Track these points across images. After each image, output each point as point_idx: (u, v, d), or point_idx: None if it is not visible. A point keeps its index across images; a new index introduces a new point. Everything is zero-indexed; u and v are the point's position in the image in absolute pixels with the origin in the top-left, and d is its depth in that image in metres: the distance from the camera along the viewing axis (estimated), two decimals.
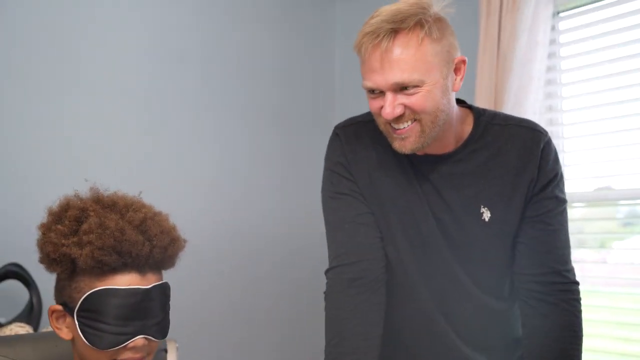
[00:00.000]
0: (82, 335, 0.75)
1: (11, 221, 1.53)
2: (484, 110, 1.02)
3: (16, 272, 1.44)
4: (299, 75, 2.19)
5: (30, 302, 1.44)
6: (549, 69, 1.70)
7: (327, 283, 1.01)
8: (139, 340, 0.76)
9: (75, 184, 0.85)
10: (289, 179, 2.11)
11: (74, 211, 0.78)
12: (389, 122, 0.90)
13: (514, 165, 0.96)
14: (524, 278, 0.98)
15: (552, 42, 1.70)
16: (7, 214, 1.55)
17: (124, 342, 0.75)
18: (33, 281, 1.44)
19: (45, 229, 0.78)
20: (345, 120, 1.08)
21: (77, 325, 0.75)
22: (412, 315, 1.03)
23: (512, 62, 1.60)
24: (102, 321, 0.74)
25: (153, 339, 0.78)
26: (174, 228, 0.84)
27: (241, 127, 2.02)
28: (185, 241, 0.86)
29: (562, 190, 0.99)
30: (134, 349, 0.76)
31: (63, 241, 0.75)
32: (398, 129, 0.91)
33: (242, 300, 1.96)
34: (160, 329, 0.79)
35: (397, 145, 0.93)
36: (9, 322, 1.37)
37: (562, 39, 1.74)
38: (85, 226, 0.75)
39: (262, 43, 2.10)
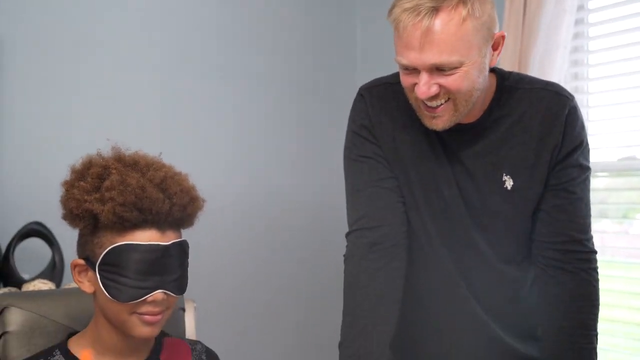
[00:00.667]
0: (103, 289, 0.77)
1: (33, 181, 1.57)
2: (509, 74, 0.98)
3: (39, 231, 1.48)
4: (319, 38, 2.16)
5: (53, 260, 1.48)
6: (576, 35, 1.64)
7: (347, 246, 1.00)
8: (157, 294, 0.78)
9: (97, 143, 0.87)
10: (310, 144, 2.11)
11: (96, 169, 0.80)
12: (422, 100, 0.87)
13: (538, 130, 0.93)
14: (544, 246, 0.96)
15: (580, 8, 1.63)
16: (29, 174, 1.59)
17: (143, 296, 0.77)
18: (55, 239, 1.48)
19: (69, 186, 0.80)
20: (370, 81, 1.04)
21: (99, 279, 0.77)
22: (433, 281, 1.03)
23: (538, 28, 1.53)
24: (123, 275, 0.76)
25: (171, 294, 0.80)
26: (193, 188, 0.86)
27: (262, 90, 2.01)
28: (204, 201, 0.87)
29: (586, 158, 0.96)
30: (153, 302, 0.78)
31: (86, 197, 0.77)
32: (431, 107, 0.88)
33: (263, 264, 1.98)
34: (179, 285, 0.81)
35: (428, 123, 0.90)
36: (33, 279, 1.41)
37: (591, 5, 1.68)
38: (107, 183, 0.77)
39: (282, 6, 2.07)
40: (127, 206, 0.76)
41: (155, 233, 0.79)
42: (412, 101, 0.91)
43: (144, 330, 0.80)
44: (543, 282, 0.97)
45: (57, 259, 1.48)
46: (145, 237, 0.78)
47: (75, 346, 0.85)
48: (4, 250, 1.47)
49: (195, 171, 0.92)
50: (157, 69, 1.82)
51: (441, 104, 0.87)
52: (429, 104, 0.87)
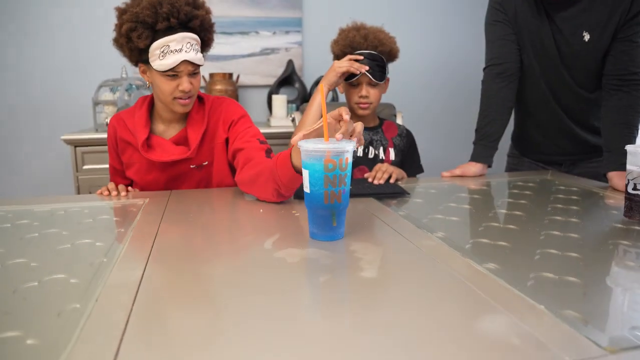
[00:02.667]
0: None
1: None
2: None
3: None
4: None
5: None
6: None
7: (483, 75, 1.63)
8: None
9: None
10: (453, 26, 3.23)
11: None
12: None
13: (611, 1, 1.37)
14: (609, 76, 1.45)
15: None
16: None
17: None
18: None
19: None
20: None
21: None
22: (535, 98, 1.63)
23: None
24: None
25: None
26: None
27: None
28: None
29: None
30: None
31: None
32: None
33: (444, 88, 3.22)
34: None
35: None
36: None
37: None
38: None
39: None
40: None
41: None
42: None
43: None
44: (607, 99, 1.46)
45: None
46: None
47: None
48: None
49: None
50: None
51: None
52: None
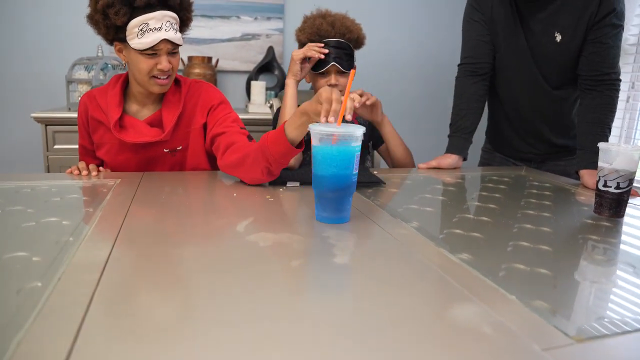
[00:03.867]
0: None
1: None
2: None
3: None
4: None
5: None
6: None
7: (457, 72, 1.66)
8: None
9: None
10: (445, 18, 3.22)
11: None
12: None
13: (581, 4, 1.40)
14: (583, 77, 1.47)
15: None
16: None
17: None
18: None
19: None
20: None
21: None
22: (508, 96, 1.66)
23: None
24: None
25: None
26: None
27: None
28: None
29: (619, 18, 1.39)
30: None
31: None
32: None
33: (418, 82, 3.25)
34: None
35: None
36: None
37: None
38: None
39: None
40: None
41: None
42: None
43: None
44: (582, 98, 1.49)
45: None
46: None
47: None
48: None
49: None
50: None
51: None
52: None
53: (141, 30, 1.22)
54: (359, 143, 0.85)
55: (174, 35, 1.25)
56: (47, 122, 2.28)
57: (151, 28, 1.22)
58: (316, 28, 1.51)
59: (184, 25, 1.35)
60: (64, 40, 2.70)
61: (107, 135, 1.37)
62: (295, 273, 0.66)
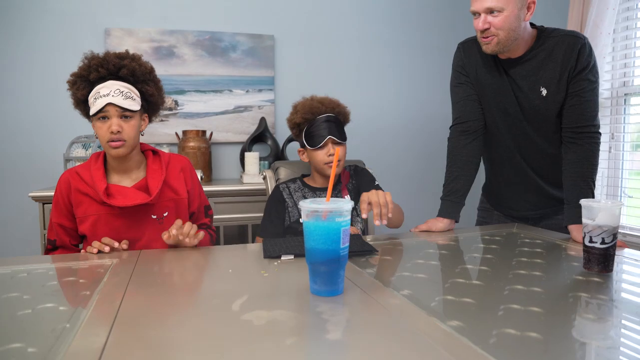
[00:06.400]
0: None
1: None
2: (546, 28, 1.54)
3: None
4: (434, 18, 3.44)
5: None
6: None
7: (449, 133, 1.71)
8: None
9: None
10: (437, 79, 3.34)
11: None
12: (480, 32, 1.48)
13: (561, 59, 1.49)
14: (565, 129, 1.54)
15: None
16: None
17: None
18: None
19: None
20: (464, 40, 1.69)
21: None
22: (502, 154, 1.71)
23: None
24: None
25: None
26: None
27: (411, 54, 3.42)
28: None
29: (593, 75, 1.49)
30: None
31: None
32: (484, 37, 1.49)
33: (408, 140, 3.43)
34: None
35: (484, 48, 1.52)
36: None
37: None
38: None
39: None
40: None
41: None
42: (477, 36, 1.52)
43: None
44: (565, 151, 1.54)
45: None
46: None
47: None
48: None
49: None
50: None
51: (490, 36, 1.46)
52: (483, 35, 1.48)
53: (95, 98, 1.38)
54: (347, 217, 0.88)
55: (121, 100, 1.38)
56: (44, 201, 2.32)
57: (101, 95, 1.37)
58: (308, 107, 1.68)
59: (147, 97, 1.47)
60: (61, 121, 2.79)
61: (92, 208, 1.41)
62: (289, 352, 0.67)
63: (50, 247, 1.47)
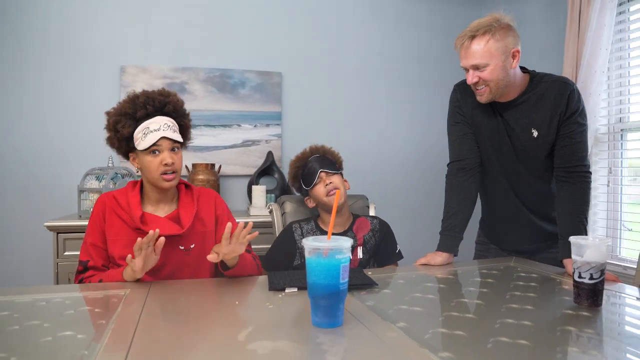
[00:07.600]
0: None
1: None
2: (537, 73, 1.64)
3: None
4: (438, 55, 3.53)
5: None
6: (620, 40, 2.58)
7: (447, 170, 1.78)
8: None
9: None
10: (434, 119, 3.26)
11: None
12: (472, 85, 1.59)
13: (552, 104, 1.57)
14: (557, 169, 1.61)
15: (621, 22, 2.57)
16: None
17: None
18: None
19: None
20: (459, 81, 1.77)
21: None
22: (497, 191, 1.78)
23: (585, 37, 2.47)
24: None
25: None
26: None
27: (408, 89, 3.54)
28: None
29: (582, 118, 1.58)
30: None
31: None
32: (477, 89, 1.59)
33: (413, 182, 3.51)
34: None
35: (478, 98, 1.62)
36: None
37: (631, 18, 2.55)
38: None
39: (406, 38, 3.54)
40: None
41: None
42: (472, 88, 1.61)
43: None
44: (558, 189, 1.62)
45: None
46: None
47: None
48: None
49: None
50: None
51: (482, 88, 1.57)
52: (475, 87, 1.59)
53: (144, 134, 1.45)
54: (347, 254, 0.95)
55: (172, 133, 1.46)
56: (58, 230, 2.40)
57: (151, 130, 1.45)
58: (299, 157, 1.88)
59: (184, 130, 1.56)
60: (77, 153, 2.90)
61: (123, 231, 1.47)
62: None
63: (82, 269, 1.48)
